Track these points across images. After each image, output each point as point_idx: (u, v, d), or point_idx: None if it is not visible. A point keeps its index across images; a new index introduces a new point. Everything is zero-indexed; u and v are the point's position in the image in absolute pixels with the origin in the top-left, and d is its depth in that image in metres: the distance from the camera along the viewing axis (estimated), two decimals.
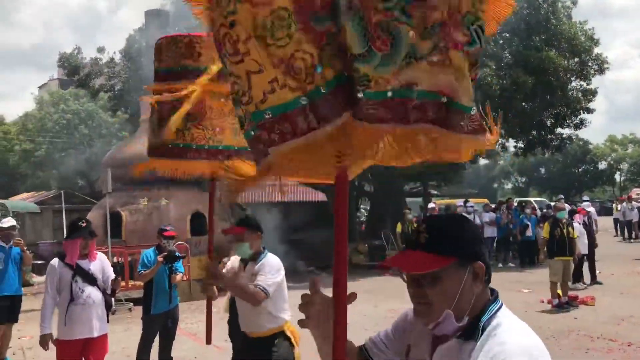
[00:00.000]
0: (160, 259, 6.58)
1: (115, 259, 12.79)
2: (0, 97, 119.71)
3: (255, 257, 4.33)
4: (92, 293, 5.25)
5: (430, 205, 16.80)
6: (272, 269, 4.22)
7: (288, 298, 4.39)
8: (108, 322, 5.61)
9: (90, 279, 5.28)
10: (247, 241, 4.29)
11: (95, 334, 5.25)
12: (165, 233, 7.18)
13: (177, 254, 6.89)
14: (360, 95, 1.53)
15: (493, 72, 17.84)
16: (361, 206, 25.14)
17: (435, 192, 26.26)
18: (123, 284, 13.22)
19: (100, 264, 5.43)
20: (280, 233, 19.33)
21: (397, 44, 1.55)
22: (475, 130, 1.78)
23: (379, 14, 1.54)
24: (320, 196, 24.07)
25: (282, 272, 4.32)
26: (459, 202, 17.72)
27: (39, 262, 19.05)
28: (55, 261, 5.37)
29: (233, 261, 4.64)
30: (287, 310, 4.38)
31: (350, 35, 1.53)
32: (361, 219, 24.32)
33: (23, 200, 28.00)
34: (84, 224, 5.31)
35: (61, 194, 21.02)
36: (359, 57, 1.53)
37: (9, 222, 8.45)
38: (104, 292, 5.35)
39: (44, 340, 5.30)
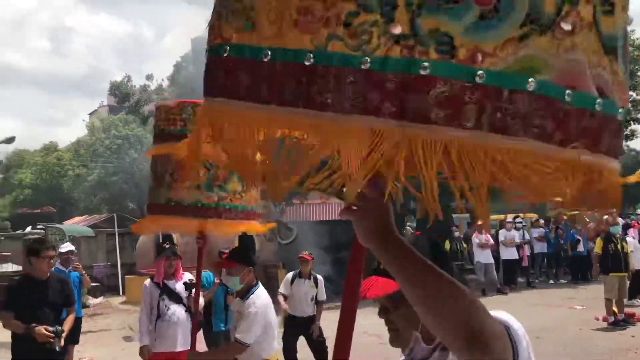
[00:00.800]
0: (217, 280, 6.80)
1: None
2: (53, 124, 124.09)
3: (244, 293, 4.21)
4: (177, 311, 5.59)
5: (479, 222, 16.60)
6: (255, 314, 4.09)
7: (275, 334, 4.40)
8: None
9: (176, 298, 5.61)
10: (237, 275, 4.17)
11: (179, 349, 5.55)
12: (224, 255, 7.41)
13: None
14: (424, 71, 0.98)
15: None
16: (407, 224, 25.00)
17: None
18: None
19: None
20: (325, 251, 19.40)
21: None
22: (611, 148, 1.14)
23: None
24: None
25: (267, 313, 4.20)
26: (509, 218, 17.45)
27: (94, 284, 19.61)
28: (147, 281, 5.81)
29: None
30: (273, 347, 4.34)
31: None
32: (407, 236, 24.16)
33: (77, 224, 28.94)
34: (167, 245, 5.68)
35: (114, 217, 21.65)
36: (439, 5, 0.99)
37: (67, 247, 8.79)
38: (188, 309, 5.59)
39: (142, 352, 5.64)
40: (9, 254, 17.79)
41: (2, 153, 33.77)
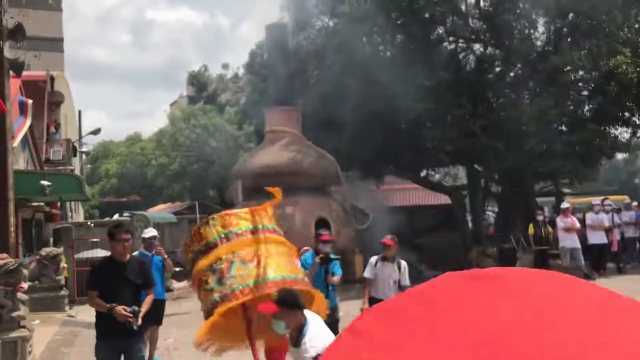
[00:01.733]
0: (317, 260, 7.05)
1: None
2: (136, 116, 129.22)
3: (295, 339, 4.04)
4: None
5: (564, 204, 15.85)
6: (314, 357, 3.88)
7: None
8: None
9: None
10: (282, 319, 4.02)
11: None
12: (322, 237, 7.68)
13: (332, 256, 7.38)
14: None
15: (629, 59, 16.59)
16: (488, 208, 24.32)
17: (569, 191, 24.81)
18: None
19: None
20: (404, 237, 19.17)
21: None
22: None
23: None
24: (444, 199, 23.62)
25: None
26: (595, 200, 16.60)
27: (178, 269, 20.26)
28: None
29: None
30: None
31: None
32: (489, 221, 23.53)
33: (161, 212, 29.97)
34: None
35: (195, 204, 22.26)
36: None
37: (150, 232, 9.06)
38: None
39: None
40: (98, 240, 18.62)
41: (89, 145, 35.38)
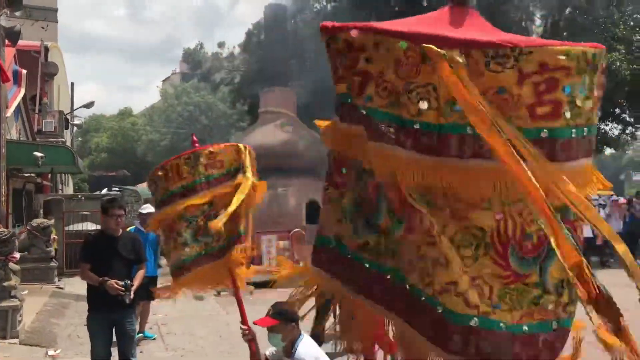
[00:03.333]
0: None
1: None
2: (130, 90, 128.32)
3: (289, 351, 3.97)
4: None
5: None
6: None
7: None
8: None
9: None
10: (280, 333, 3.93)
11: None
12: None
13: None
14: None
15: (622, 56, 16.75)
16: None
17: None
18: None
19: None
20: None
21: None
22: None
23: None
24: None
25: None
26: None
27: None
28: None
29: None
30: None
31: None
32: None
33: None
34: None
35: None
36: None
37: (147, 208, 9.00)
38: None
39: None
40: (89, 212, 18.64)
41: (81, 118, 35.14)
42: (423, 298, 1.58)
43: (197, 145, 4.64)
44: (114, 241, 5.55)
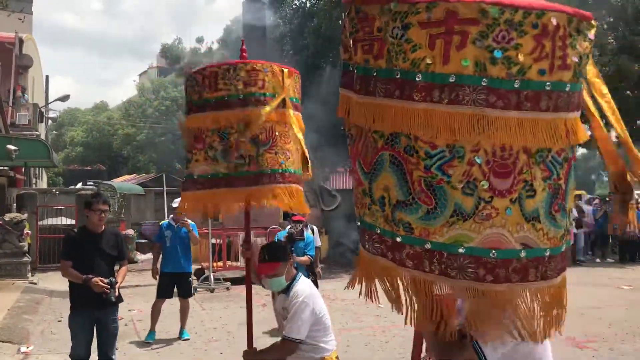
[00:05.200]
0: (283, 240, 7.58)
1: (214, 240, 13.40)
2: (105, 84, 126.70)
3: (286, 288, 3.89)
4: None
5: None
6: (301, 304, 3.77)
7: (329, 326, 3.99)
8: None
9: None
10: (282, 275, 3.84)
11: None
12: (293, 217, 7.92)
13: (296, 236, 7.90)
14: (398, 239, 1.84)
15: (596, 59, 17.04)
16: None
17: None
18: (220, 264, 13.87)
19: None
20: None
21: (441, 201, 1.74)
22: (526, 275, 1.82)
23: (418, 170, 1.76)
24: None
25: (314, 302, 3.85)
26: None
27: (142, 241, 20.20)
28: None
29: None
30: (331, 340, 3.97)
31: (393, 185, 1.82)
32: None
33: (126, 182, 29.67)
34: None
35: (162, 176, 22.11)
36: (403, 205, 1.81)
37: (179, 202, 8.64)
38: None
39: None
40: (63, 207, 18.44)
41: (56, 111, 34.66)
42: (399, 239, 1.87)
43: (245, 55, 4.11)
44: (97, 237, 5.47)
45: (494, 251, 1.74)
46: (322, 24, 17.15)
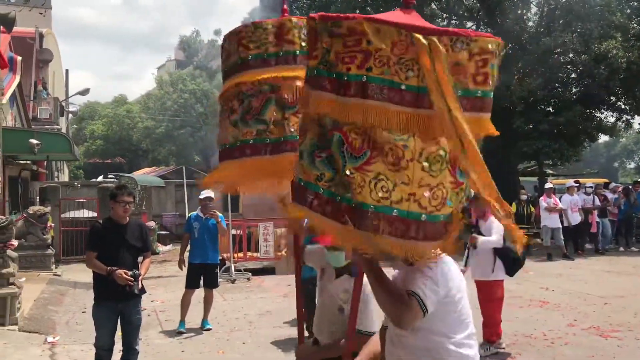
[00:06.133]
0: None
1: (234, 231, 13.46)
2: (123, 78, 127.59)
3: (351, 268, 3.39)
4: None
5: (547, 185, 16.13)
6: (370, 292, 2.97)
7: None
8: None
9: None
10: (343, 250, 3.32)
11: None
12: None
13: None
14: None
15: (619, 44, 16.77)
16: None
17: (551, 172, 25.18)
18: (241, 255, 13.94)
19: None
20: None
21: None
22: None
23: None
24: None
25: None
26: (571, 182, 16.91)
27: (163, 232, 20.39)
28: None
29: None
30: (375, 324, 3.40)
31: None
32: (471, 197, 23.86)
33: (146, 175, 29.91)
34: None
35: (182, 168, 22.23)
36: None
37: (206, 193, 8.55)
38: None
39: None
40: (84, 200, 18.65)
41: (76, 105, 34.98)
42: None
43: (286, 14, 3.60)
44: (122, 229, 5.50)
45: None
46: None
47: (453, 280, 2.62)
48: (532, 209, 15.65)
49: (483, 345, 6.71)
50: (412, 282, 2.52)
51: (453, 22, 20.23)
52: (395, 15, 2.48)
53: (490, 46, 2.32)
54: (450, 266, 2.64)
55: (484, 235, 6.86)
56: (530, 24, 19.54)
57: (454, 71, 2.25)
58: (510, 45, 18.57)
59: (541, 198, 15.51)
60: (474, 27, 19.84)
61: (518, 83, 17.34)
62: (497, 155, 18.77)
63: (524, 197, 15.69)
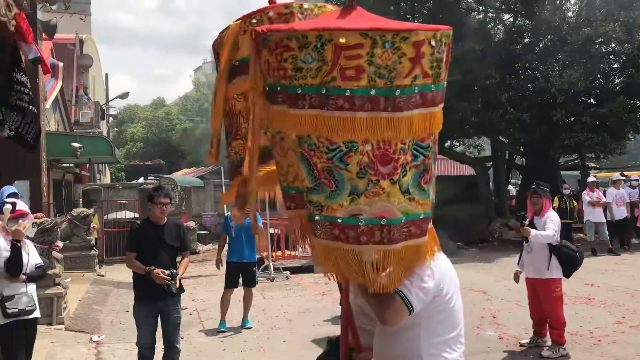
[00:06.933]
0: None
1: (272, 230, 13.52)
2: (160, 80, 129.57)
3: None
4: None
5: (591, 178, 15.73)
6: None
7: None
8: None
9: None
10: None
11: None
12: None
13: None
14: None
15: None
16: (511, 180, 24.16)
17: (594, 165, 24.55)
18: (280, 253, 14.00)
19: None
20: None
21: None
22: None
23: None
24: (468, 170, 23.50)
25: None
26: (616, 175, 16.44)
27: (203, 232, 20.63)
28: None
29: None
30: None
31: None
32: (511, 194, 23.46)
33: (185, 175, 30.29)
34: None
35: (220, 169, 22.45)
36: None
37: None
38: None
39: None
40: (126, 202, 19.00)
41: (116, 108, 35.71)
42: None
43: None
44: (159, 229, 5.60)
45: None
46: (370, 6, 16.87)
47: (444, 279, 2.52)
48: (575, 204, 15.30)
49: (552, 347, 6.59)
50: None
51: (490, 14, 19.88)
52: (328, 17, 2.43)
53: (432, 37, 2.18)
54: (442, 263, 2.55)
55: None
56: (570, 14, 19.07)
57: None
58: (549, 36, 18.17)
59: (584, 192, 15.14)
60: (511, 19, 19.48)
61: (558, 75, 16.94)
62: (537, 149, 18.43)
63: (566, 191, 15.36)
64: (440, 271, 2.52)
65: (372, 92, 2.12)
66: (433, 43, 2.18)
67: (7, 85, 5.51)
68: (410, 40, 2.12)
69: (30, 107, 5.85)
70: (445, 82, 2.32)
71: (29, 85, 5.80)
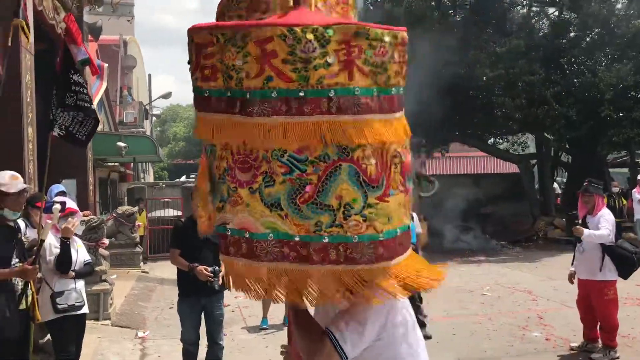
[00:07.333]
0: None
1: None
2: None
3: None
4: None
5: None
6: None
7: None
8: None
9: None
10: None
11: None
12: None
13: None
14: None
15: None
16: (557, 178, 23.60)
17: None
18: None
19: None
20: (470, 206, 18.95)
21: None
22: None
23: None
24: (512, 168, 23.09)
25: None
26: None
27: None
28: None
29: None
30: None
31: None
32: (557, 192, 22.92)
33: None
34: None
35: None
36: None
37: None
38: None
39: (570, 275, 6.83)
40: (169, 200, 19.29)
41: (159, 108, 36.36)
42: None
43: None
44: None
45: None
46: (412, 2, 16.68)
47: (388, 318, 2.10)
48: (625, 202, 14.85)
49: (603, 349, 6.39)
50: (335, 318, 2.10)
51: (534, 8, 19.45)
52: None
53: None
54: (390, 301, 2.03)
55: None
56: (619, 6, 18.50)
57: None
58: (596, 30, 17.67)
59: (634, 190, 14.68)
60: (556, 13, 19.01)
61: (606, 69, 16.46)
62: (584, 146, 17.95)
63: (615, 189, 14.95)
64: (382, 310, 2.09)
65: (229, 93, 1.96)
66: (290, 41, 1.85)
67: (64, 87, 5.61)
68: (250, 37, 1.88)
69: (91, 106, 5.97)
70: (357, 88, 1.92)
71: (85, 85, 5.91)
